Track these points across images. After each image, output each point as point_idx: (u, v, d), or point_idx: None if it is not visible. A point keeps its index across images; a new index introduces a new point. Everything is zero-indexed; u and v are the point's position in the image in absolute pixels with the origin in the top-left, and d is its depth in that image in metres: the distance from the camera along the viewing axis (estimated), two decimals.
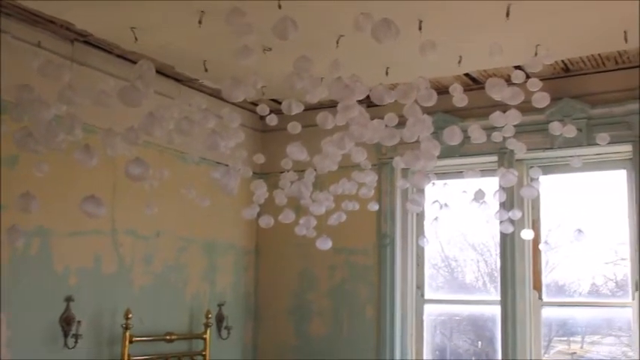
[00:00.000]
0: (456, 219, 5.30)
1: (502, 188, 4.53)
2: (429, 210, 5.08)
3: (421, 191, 4.19)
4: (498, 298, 5.52)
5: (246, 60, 3.15)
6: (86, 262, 4.79)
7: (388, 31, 2.78)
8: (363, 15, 2.92)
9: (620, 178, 5.32)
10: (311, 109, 4.34)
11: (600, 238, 5.28)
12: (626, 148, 5.13)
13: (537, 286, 5.47)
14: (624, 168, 5.28)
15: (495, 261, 5.82)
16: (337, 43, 4.29)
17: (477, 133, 3.74)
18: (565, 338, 5.58)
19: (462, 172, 5.31)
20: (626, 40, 4.33)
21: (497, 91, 3.39)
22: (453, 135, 3.57)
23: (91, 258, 4.84)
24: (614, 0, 3.83)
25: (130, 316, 4.86)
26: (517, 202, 5.21)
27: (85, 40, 4.70)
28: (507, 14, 3.94)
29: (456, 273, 6.16)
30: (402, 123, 3.92)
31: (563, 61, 5.04)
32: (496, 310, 5.56)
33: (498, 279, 5.59)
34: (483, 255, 6.02)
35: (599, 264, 5.47)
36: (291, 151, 3.62)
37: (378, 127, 3.64)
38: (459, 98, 3.76)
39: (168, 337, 5.24)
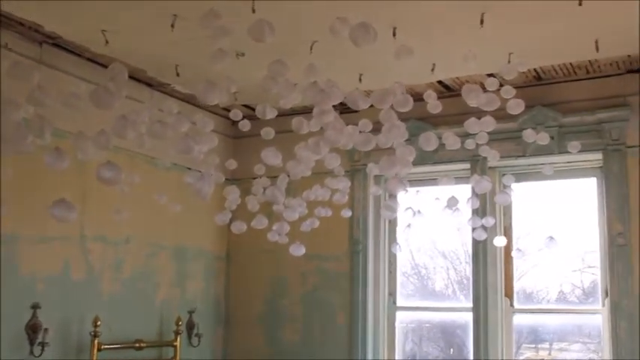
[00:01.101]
0: (426, 226, 5.29)
1: (475, 195, 4.53)
2: (402, 217, 5.07)
3: (395, 197, 4.18)
4: (470, 305, 5.53)
5: (220, 64, 3.11)
6: (54, 269, 4.71)
7: (367, 35, 2.76)
8: (340, 19, 2.90)
9: (590, 186, 5.38)
10: (283, 115, 4.32)
11: (569, 246, 5.31)
12: (597, 157, 5.18)
13: (509, 293, 5.49)
14: (594, 176, 5.34)
15: (465, 269, 5.85)
16: (311, 49, 4.28)
17: (451, 139, 3.74)
18: (533, 345, 5.61)
19: (434, 179, 5.31)
20: (597, 49, 4.37)
21: (473, 97, 3.39)
22: (429, 141, 3.56)
23: (59, 264, 4.75)
24: (586, 10, 3.85)
25: (99, 323, 4.78)
26: (489, 209, 5.24)
27: (54, 42, 4.62)
28: (481, 22, 3.96)
29: (426, 280, 6.17)
30: (375, 130, 3.91)
31: (535, 70, 5.09)
32: (468, 317, 5.57)
33: (468, 286, 5.61)
34: (453, 263, 6.03)
35: (566, 272, 5.52)
36: (266, 155, 3.58)
37: (352, 133, 3.62)
38: (434, 105, 3.75)
39: (137, 345, 5.16)
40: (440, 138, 3.94)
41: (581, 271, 5.51)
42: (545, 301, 5.61)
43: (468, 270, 5.73)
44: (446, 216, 4.53)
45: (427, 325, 6.05)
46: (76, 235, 4.90)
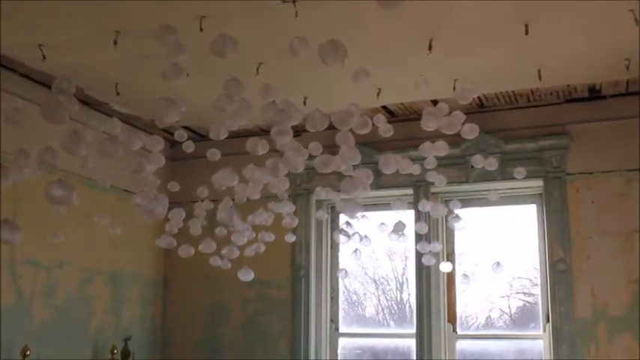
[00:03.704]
0: (358, 252, 5.22)
1: (424, 220, 4.52)
2: (344, 241, 4.99)
3: (350, 222, 4.16)
4: (411, 331, 5.53)
5: (174, 80, 3.00)
6: None
7: (336, 53, 2.70)
8: (299, 39, 2.84)
9: (530, 212, 5.46)
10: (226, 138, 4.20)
11: (509, 272, 5.36)
12: (538, 183, 5.29)
13: (452, 318, 5.50)
14: (534, 203, 5.43)
15: (396, 295, 5.86)
16: (257, 70, 4.22)
17: (403, 163, 3.72)
18: None
19: (375, 204, 5.34)
20: (540, 78, 4.45)
21: (434, 120, 3.38)
22: (388, 164, 3.53)
23: None
24: (531, 40, 3.91)
25: (28, 352, 4.56)
26: (433, 235, 5.25)
27: None
28: (430, 48, 3.98)
29: (357, 307, 6.14)
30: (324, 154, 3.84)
31: (478, 97, 5.15)
32: (409, 343, 5.56)
33: (398, 313, 5.63)
34: (383, 289, 6.02)
35: (507, 297, 5.57)
36: (222, 176, 3.47)
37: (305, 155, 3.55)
38: (385, 128, 3.73)
39: None
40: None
41: (508, 297, 5.58)
42: (474, 327, 5.64)
43: (398, 296, 5.74)
44: (392, 241, 4.50)
45: (368, 351, 5.98)
46: (5, 258, 4.66)
